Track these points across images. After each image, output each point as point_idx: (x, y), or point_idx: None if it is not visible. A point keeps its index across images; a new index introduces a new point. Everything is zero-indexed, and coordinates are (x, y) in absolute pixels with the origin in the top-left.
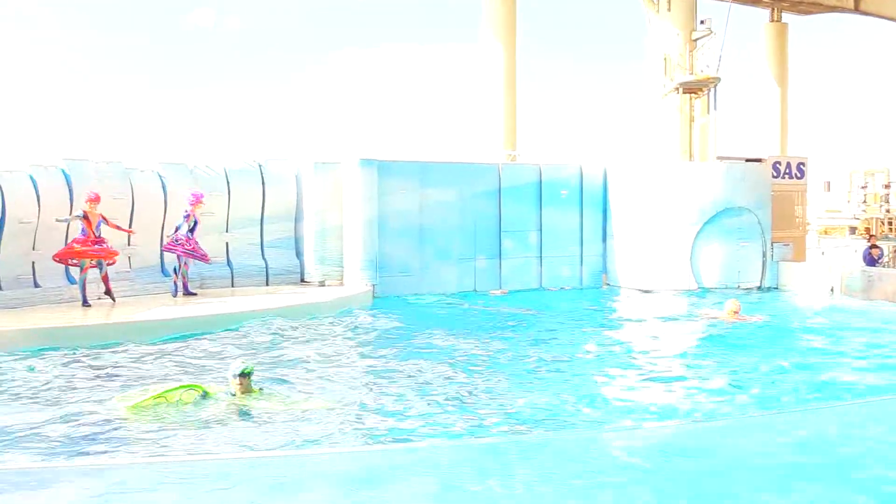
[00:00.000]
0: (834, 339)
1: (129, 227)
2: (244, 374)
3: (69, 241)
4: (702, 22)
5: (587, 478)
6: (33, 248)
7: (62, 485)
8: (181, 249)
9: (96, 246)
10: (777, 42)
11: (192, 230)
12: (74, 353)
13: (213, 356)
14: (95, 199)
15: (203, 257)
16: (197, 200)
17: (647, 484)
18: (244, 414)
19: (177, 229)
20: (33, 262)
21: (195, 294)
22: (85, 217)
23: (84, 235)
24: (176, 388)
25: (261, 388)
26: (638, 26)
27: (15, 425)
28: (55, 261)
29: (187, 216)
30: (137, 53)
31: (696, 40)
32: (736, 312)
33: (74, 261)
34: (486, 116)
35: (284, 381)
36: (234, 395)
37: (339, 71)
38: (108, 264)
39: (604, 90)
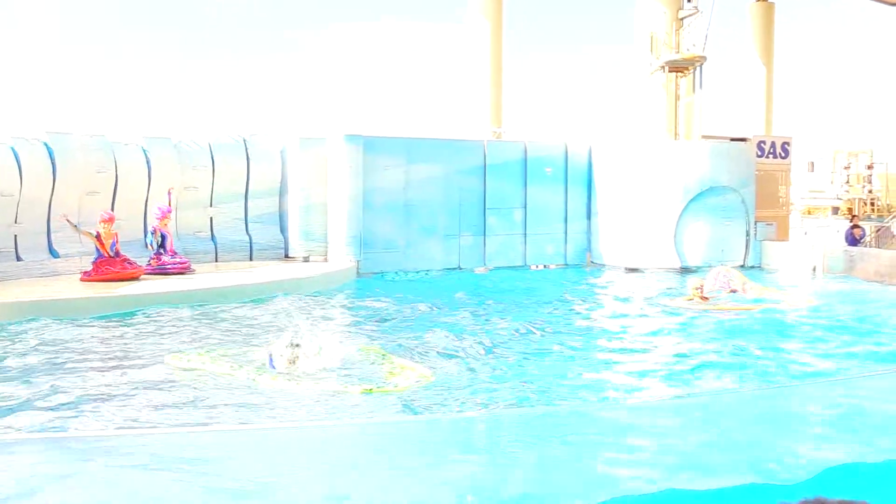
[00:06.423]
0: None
1: (113, 200)
2: (295, 345)
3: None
4: (689, 0)
5: (576, 448)
6: (15, 222)
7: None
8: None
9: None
10: (763, 21)
11: (161, 245)
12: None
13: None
14: (110, 220)
15: (178, 268)
16: (164, 215)
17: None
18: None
19: (150, 245)
20: (15, 236)
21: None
22: (98, 237)
23: (100, 256)
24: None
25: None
26: (625, 4)
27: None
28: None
29: (153, 232)
30: (122, 27)
31: (682, 19)
32: (699, 289)
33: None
34: (471, 93)
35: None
36: (274, 366)
37: (324, 47)
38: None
39: (590, 68)
